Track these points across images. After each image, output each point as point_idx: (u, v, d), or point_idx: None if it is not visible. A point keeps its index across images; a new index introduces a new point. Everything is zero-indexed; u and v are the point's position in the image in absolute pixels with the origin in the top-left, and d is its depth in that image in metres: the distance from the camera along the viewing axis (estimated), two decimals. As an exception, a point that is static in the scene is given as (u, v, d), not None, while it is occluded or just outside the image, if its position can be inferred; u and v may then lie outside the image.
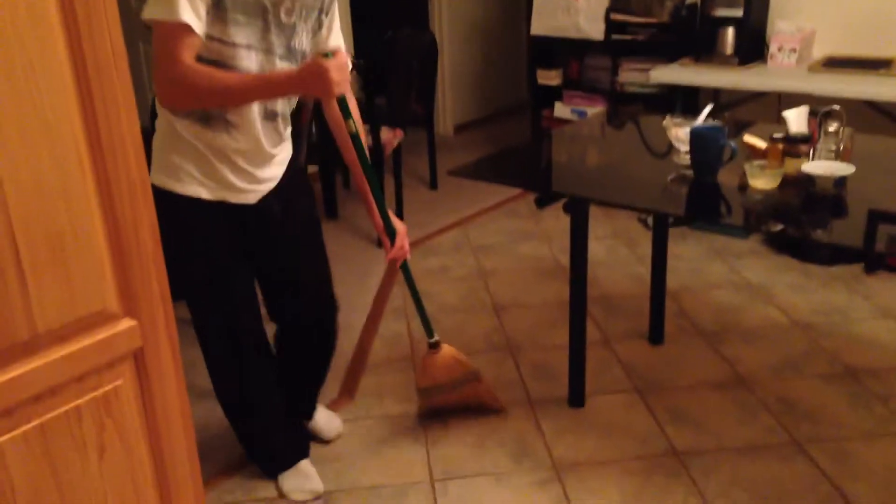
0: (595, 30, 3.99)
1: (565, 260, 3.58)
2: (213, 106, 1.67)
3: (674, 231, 3.73)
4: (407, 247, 2.05)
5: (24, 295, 0.99)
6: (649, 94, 3.91)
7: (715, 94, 3.78)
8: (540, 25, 4.16)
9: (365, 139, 1.93)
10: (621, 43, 3.96)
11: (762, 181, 2.00)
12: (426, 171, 4.64)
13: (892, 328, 2.89)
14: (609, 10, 3.94)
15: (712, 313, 3.06)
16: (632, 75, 3.98)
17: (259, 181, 1.83)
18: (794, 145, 2.05)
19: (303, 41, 1.77)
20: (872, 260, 3.32)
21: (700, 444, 2.30)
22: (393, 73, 3.94)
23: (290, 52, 1.74)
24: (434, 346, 2.31)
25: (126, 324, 1.12)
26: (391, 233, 2.02)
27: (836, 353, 2.75)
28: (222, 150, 1.74)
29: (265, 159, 1.82)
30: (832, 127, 2.05)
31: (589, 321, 2.89)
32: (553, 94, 4.26)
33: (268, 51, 1.68)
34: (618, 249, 3.63)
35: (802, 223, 1.93)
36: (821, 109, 2.09)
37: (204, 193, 1.77)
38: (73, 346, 1.06)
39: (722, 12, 3.61)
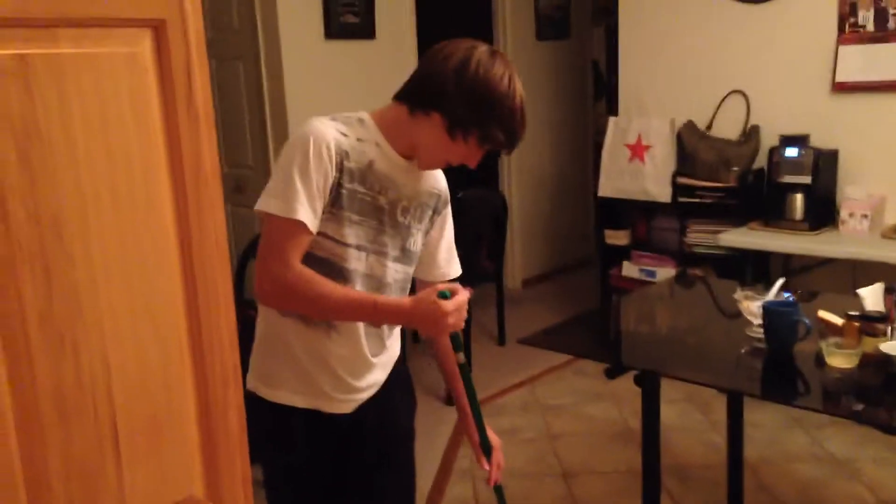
0: (662, 193, 4.08)
1: (636, 423, 3.50)
2: (310, 314, 1.59)
3: (749, 398, 3.62)
4: (503, 463, 1.86)
5: (118, 481, 1.03)
6: (718, 255, 3.92)
7: (786, 259, 3.77)
8: (608, 187, 4.29)
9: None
10: (689, 205, 4.03)
11: (839, 360, 1.96)
12: (494, 327, 4.68)
13: None
14: (675, 174, 4.04)
15: (795, 489, 2.92)
16: (700, 237, 4.02)
17: (356, 390, 1.70)
18: (871, 324, 2.02)
19: (417, 242, 1.69)
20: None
21: None
22: (463, 232, 4.07)
23: (404, 254, 1.67)
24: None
25: (209, 508, 1.15)
26: (487, 448, 1.83)
27: (932, 540, 2.57)
28: (321, 354, 1.63)
29: (365, 367, 1.69)
30: (911, 306, 2.02)
31: (663, 493, 2.78)
32: (621, 254, 4.31)
33: (379, 252, 1.62)
34: (691, 414, 3.53)
35: (884, 406, 1.87)
36: (897, 287, 2.07)
37: (297, 401, 1.67)
38: (158, 530, 1.09)
39: (789, 179, 3.67)
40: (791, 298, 2.17)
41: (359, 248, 1.58)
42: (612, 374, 2.27)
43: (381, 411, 1.76)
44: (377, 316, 1.58)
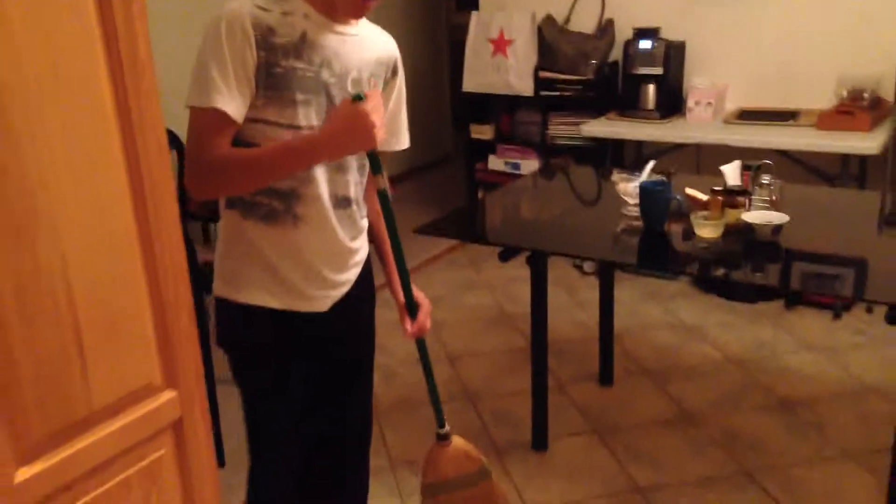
0: (525, 86, 4.20)
1: (509, 307, 3.72)
2: (250, 187, 1.48)
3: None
4: (428, 324, 1.74)
5: (83, 374, 1.03)
6: (578, 145, 4.13)
7: (638, 146, 4.04)
8: (471, 82, 4.35)
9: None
10: (550, 98, 4.18)
11: (707, 231, 2.18)
12: (364, 225, 4.72)
13: (816, 360, 3.14)
14: (537, 69, 4.17)
15: (654, 353, 3.25)
16: (561, 129, 4.20)
17: (334, 285, 1.61)
18: (733, 197, 2.25)
19: None
20: (792, 296, 3.59)
21: (660, 479, 2.44)
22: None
23: None
24: (443, 438, 1.90)
25: (167, 395, 1.16)
26: (412, 308, 1.71)
27: (769, 386, 2.96)
28: (293, 249, 1.54)
29: (344, 256, 1.60)
30: (765, 179, 2.27)
31: (542, 366, 3.02)
32: (486, 148, 4.44)
33: None
34: (559, 296, 3.79)
35: (746, 268, 2.12)
36: (754, 164, 2.31)
37: (270, 301, 1.56)
38: (123, 419, 1.09)
39: (642, 70, 3.88)
40: (663, 178, 2.36)
41: (311, 129, 1.47)
42: (504, 256, 2.38)
43: (353, 309, 1.68)
44: (308, 152, 1.44)
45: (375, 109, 1.41)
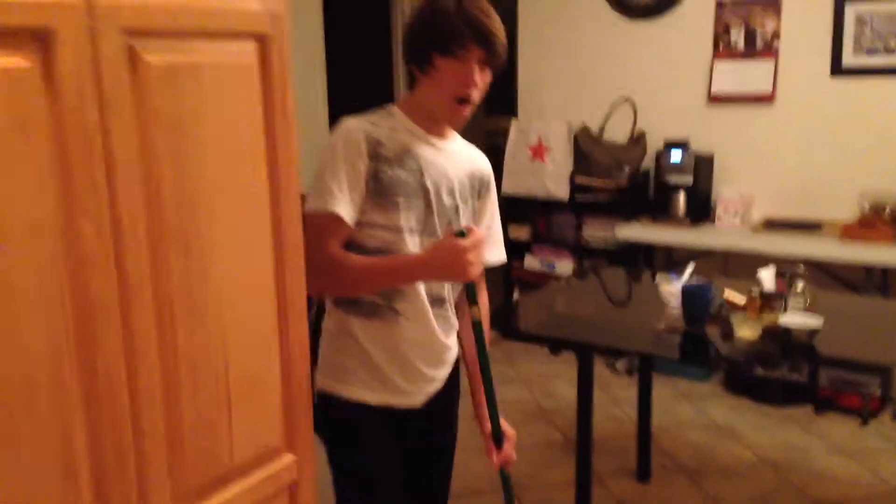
0: (561, 190, 4.44)
1: (545, 402, 3.83)
2: (355, 293, 1.62)
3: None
4: (514, 455, 1.80)
5: (229, 432, 1.18)
6: (611, 248, 4.33)
7: (669, 250, 4.23)
8: (510, 185, 4.60)
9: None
10: (585, 202, 4.41)
11: (746, 331, 2.33)
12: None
13: (846, 464, 3.21)
14: (573, 174, 4.41)
15: (689, 451, 3.33)
16: (595, 232, 4.41)
17: (429, 380, 1.71)
18: (770, 300, 2.41)
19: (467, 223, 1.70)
20: (821, 401, 3.68)
21: (700, 572, 2.50)
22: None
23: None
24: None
25: (288, 458, 1.31)
26: (499, 438, 1.77)
27: (802, 488, 3.03)
28: (392, 344, 1.64)
29: (439, 352, 1.70)
30: (799, 286, 2.43)
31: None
32: (523, 248, 4.64)
33: (431, 233, 1.64)
34: (595, 393, 3.89)
35: (785, 367, 2.26)
36: (788, 270, 2.48)
37: (368, 397, 1.66)
38: (253, 477, 1.24)
39: (673, 179, 4.12)
40: (704, 282, 2.53)
41: (411, 231, 1.61)
42: (555, 349, 2.52)
43: (445, 404, 1.77)
44: (402, 272, 1.59)
45: (475, 246, 1.51)
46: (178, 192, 1.07)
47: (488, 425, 1.78)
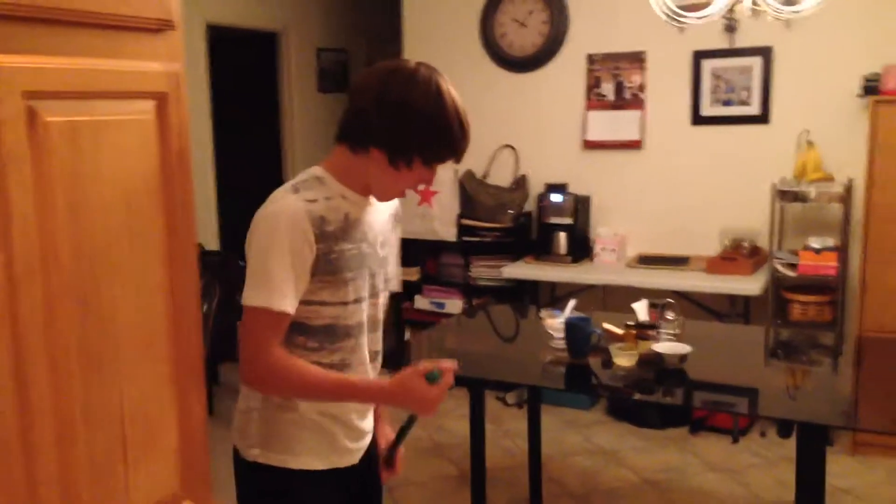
0: (448, 232, 4.59)
1: (439, 437, 3.91)
2: (305, 398, 1.58)
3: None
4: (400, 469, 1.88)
5: (125, 480, 1.21)
6: (496, 286, 4.49)
7: (552, 286, 4.43)
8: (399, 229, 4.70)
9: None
10: (471, 243, 4.58)
11: (624, 360, 2.50)
12: (294, 362, 4.87)
13: (721, 479, 3.45)
14: (460, 216, 4.58)
15: (577, 477, 3.49)
16: (482, 271, 4.58)
17: (365, 435, 1.71)
18: (644, 331, 2.60)
19: (392, 265, 1.71)
20: (696, 422, 3.94)
21: None
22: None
23: (387, 282, 1.68)
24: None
25: (186, 504, 1.34)
26: (392, 459, 1.82)
27: (682, 505, 3.23)
28: (337, 408, 1.62)
29: (368, 407, 1.71)
30: (670, 315, 2.64)
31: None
32: (413, 289, 4.75)
33: (374, 294, 1.63)
34: (486, 426, 4.01)
35: (660, 392, 2.44)
36: (660, 302, 2.69)
37: (318, 464, 1.62)
38: (151, 525, 1.26)
39: (554, 220, 4.34)
40: (584, 315, 2.69)
41: (357, 300, 1.58)
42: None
43: (371, 455, 1.77)
44: (367, 397, 1.60)
45: (444, 390, 1.50)
46: (75, 246, 1.10)
47: (384, 448, 1.82)
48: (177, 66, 1.28)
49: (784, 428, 3.83)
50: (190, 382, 1.34)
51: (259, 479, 1.63)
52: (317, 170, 1.59)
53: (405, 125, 1.48)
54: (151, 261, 1.25)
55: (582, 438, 3.91)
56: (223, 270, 3.62)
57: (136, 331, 1.22)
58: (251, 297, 1.50)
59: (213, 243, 4.89)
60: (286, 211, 1.50)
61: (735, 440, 3.82)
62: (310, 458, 1.62)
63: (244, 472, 1.65)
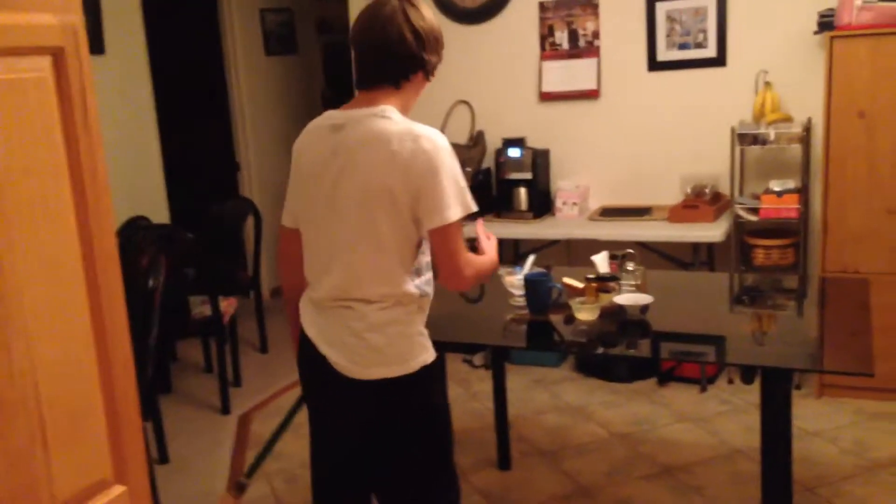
0: (406, 195, 4.48)
1: (406, 404, 3.85)
2: (488, 278, 2.04)
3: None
4: None
5: (47, 469, 1.11)
6: (459, 247, 4.40)
7: (515, 243, 4.36)
8: (356, 193, 4.58)
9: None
10: (430, 205, 4.47)
11: (585, 314, 2.44)
12: (256, 337, 4.77)
13: (690, 429, 3.44)
14: (417, 178, 4.46)
15: (546, 435, 3.45)
16: (443, 232, 4.48)
17: None
18: (605, 283, 2.53)
19: None
20: (664, 373, 3.92)
21: (563, 550, 2.60)
22: (223, 242, 4.14)
23: None
24: (240, 490, 2.18)
25: (118, 490, 1.24)
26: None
27: (652, 456, 3.21)
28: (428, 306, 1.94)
29: None
30: (630, 266, 2.58)
31: (444, 456, 3.15)
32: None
33: None
34: (453, 389, 3.96)
35: (621, 345, 2.39)
36: (619, 253, 2.62)
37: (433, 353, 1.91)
38: (80, 514, 1.17)
39: (513, 175, 4.26)
40: (544, 270, 2.62)
41: None
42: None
43: None
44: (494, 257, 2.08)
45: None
46: (-36, 218, 0.99)
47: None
48: (73, 17, 1.16)
49: (747, 374, 3.84)
50: (116, 363, 1.24)
51: (428, 375, 1.87)
52: (396, 112, 1.81)
53: (436, 42, 1.87)
54: (61, 233, 1.15)
55: (550, 396, 3.88)
56: (171, 244, 3.48)
57: (47, 310, 1.11)
58: (456, 212, 1.76)
59: (161, 216, 4.72)
60: (442, 140, 1.79)
61: (703, 389, 3.82)
62: (432, 351, 1.91)
63: (418, 380, 1.84)
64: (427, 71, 1.87)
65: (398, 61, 1.81)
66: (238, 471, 3.23)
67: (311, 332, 1.89)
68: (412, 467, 1.90)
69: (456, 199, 1.75)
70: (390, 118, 1.78)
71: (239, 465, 3.29)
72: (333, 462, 1.99)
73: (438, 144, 1.75)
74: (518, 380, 4.06)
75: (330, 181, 1.80)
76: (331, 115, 1.88)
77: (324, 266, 1.85)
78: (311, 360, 1.90)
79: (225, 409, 3.90)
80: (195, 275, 3.87)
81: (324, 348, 1.85)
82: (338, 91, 6.32)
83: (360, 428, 1.89)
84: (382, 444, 1.88)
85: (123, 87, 4.53)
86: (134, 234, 3.69)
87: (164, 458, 3.40)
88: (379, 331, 1.81)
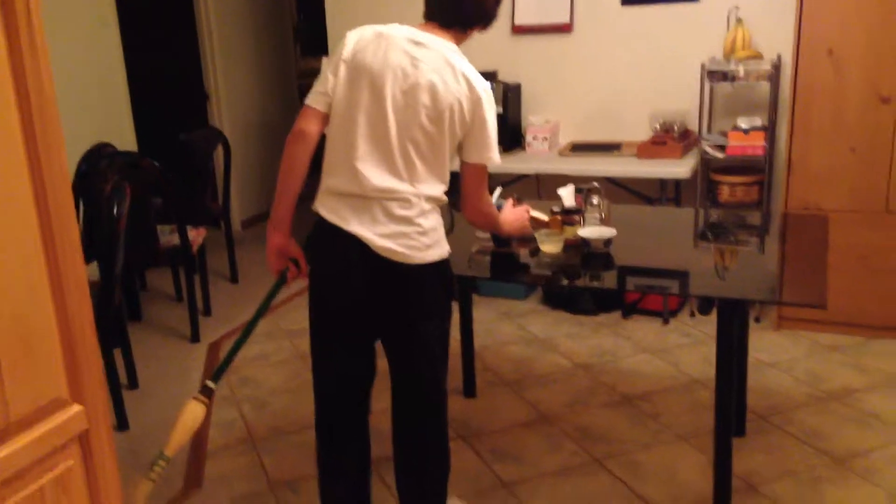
0: (377, 127, 4.44)
1: (375, 335, 3.89)
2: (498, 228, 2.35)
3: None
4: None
5: (1, 386, 1.12)
6: (430, 180, 4.40)
7: (488, 177, 4.35)
8: (326, 124, 4.54)
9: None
10: (401, 137, 4.44)
11: (549, 246, 2.47)
12: (226, 267, 4.77)
13: (651, 360, 3.52)
14: (388, 109, 4.42)
15: (511, 365, 3.52)
16: (413, 165, 4.46)
17: None
18: (570, 216, 2.56)
19: None
20: (628, 306, 4.00)
21: (522, 474, 2.68)
22: (192, 172, 4.09)
23: None
24: (207, 393, 2.13)
25: (75, 409, 1.26)
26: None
27: (613, 386, 3.29)
28: None
29: None
30: (595, 200, 2.60)
31: (409, 385, 3.20)
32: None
33: None
34: (421, 320, 4.01)
35: (585, 277, 2.42)
36: (584, 187, 2.63)
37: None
38: (35, 431, 1.19)
39: (484, 109, 4.22)
40: (510, 201, 2.63)
41: None
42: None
43: None
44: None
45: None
46: None
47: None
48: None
49: (704, 305, 3.92)
50: (69, 284, 1.24)
51: (444, 273, 2.10)
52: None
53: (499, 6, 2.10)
54: (6, 153, 1.13)
55: (516, 327, 3.94)
56: (136, 172, 3.44)
57: (-7, 230, 1.11)
58: (496, 157, 2.09)
59: (128, 144, 4.65)
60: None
61: (665, 321, 3.90)
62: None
63: (443, 268, 2.07)
64: (485, 28, 2.11)
65: (478, 14, 2.03)
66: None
67: (351, 223, 2.00)
68: (431, 341, 2.11)
69: (495, 146, 2.08)
70: (462, 58, 2.00)
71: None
72: (341, 370, 2.22)
73: (492, 97, 2.04)
74: (485, 311, 4.12)
75: (404, 85, 1.94)
76: (409, 30, 1.99)
77: (376, 161, 1.97)
78: (335, 245, 2.04)
79: (195, 338, 3.92)
80: (162, 204, 3.84)
81: (368, 236, 1.98)
82: (310, 20, 6.20)
83: (391, 307, 2.06)
84: (409, 320, 2.07)
85: (87, 6, 4.40)
86: (98, 161, 3.64)
87: (133, 384, 3.44)
88: (426, 219, 2.02)
